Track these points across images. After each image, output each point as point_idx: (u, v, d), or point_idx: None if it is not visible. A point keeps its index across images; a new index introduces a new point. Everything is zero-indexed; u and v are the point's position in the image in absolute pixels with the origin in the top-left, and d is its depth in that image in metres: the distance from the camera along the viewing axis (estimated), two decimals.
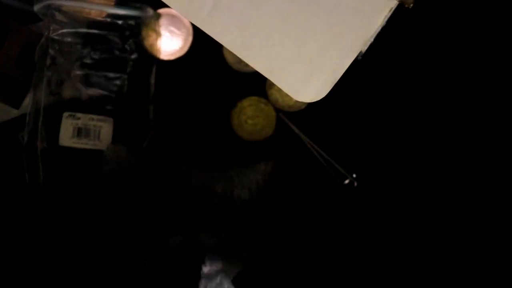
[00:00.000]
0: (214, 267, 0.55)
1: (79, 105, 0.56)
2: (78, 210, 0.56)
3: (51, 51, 0.55)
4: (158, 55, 0.59)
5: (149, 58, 0.58)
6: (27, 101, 0.57)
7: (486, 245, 0.58)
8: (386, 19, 0.52)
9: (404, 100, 0.59)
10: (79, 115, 0.56)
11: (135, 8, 0.57)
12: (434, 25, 0.59)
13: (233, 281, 0.55)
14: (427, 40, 0.59)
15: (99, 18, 0.57)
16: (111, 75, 0.57)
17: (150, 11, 0.57)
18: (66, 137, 0.55)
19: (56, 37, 0.56)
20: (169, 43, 0.59)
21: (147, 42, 0.58)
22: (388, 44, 0.57)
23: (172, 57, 0.60)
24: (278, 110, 0.59)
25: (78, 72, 0.56)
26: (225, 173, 0.57)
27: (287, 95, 0.54)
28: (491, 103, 0.59)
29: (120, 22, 0.57)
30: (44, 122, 0.55)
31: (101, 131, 0.56)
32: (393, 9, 0.52)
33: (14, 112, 0.58)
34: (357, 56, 0.53)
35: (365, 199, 0.59)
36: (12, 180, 0.57)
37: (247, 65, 0.54)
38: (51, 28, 0.56)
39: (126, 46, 0.57)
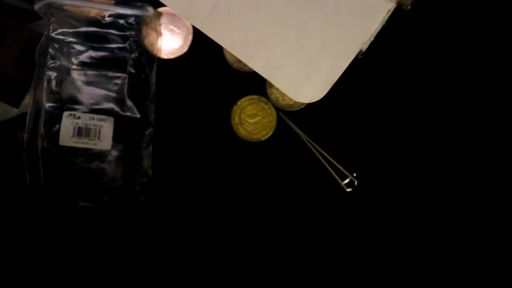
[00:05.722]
0: None
1: (79, 105, 0.56)
2: (77, 210, 0.56)
3: (51, 50, 0.55)
4: (158, 54, 0.59)
5: (150, 57, 0.58)
6: (27, 100, 0.57)
7: (487, 245, 0.58)
8: (384, 20, 0.52)
9: (404, 99, 0.59)
10: (79, 114, 0.56)
11: (135, 7, 0.57)
12: (432, 26, 0.59)
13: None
14: (425, 40, 0.59)
15: (100, 17, 0.57)
16: (111, 74, 0.57)
17: (150, 10, 0.57)
18: (67, 136, 0.55)
19: (56, 36, 0.56)
20: (170, 42, 0.59)
21: (147, 41, 0.58)
22: (387, 45, 0.57)
23: (172, 56, 0.60)
24: (279, 109, 0.59)
25: (78, 71, 0.56)
26: None
27: None
28: (491, 103, 0.59)
29: (120, 21, 0.57)
30: (44, 121, 0.55)
31: (102, 131, 0.56)
32: (391, 11, 0.52)
33: (14, 111, 0.58)
34: (357, 55, 0.53)
35: (365, 198, 0.59)
36: (12, 180, 0.57)
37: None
38: (51, 27, 0.55)
39: (127, 45, 0.57)
